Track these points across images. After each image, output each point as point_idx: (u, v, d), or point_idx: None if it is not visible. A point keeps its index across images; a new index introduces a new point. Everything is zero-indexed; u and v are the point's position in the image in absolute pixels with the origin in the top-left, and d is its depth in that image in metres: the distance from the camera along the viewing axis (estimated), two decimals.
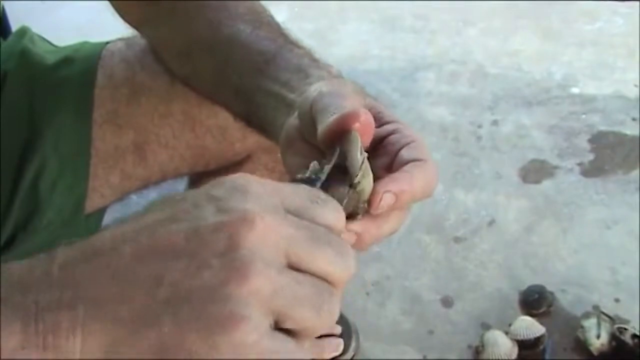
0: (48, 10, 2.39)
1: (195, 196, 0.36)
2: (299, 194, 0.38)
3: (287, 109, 0.53)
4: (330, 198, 0.39)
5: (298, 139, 0.49)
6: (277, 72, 0.57)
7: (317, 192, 0.39)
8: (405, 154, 0.46)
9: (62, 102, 0.77)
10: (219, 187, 0.36)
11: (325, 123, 0.44)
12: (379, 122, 0.48)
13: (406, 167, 0.45)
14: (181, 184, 1.01)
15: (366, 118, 0.44)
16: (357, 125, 0.43)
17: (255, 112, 0.59)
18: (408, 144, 0.46)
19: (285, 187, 0.38)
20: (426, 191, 0.45)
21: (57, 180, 0.76)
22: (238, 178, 0.37)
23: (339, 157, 0.43)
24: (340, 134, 0.43)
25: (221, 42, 0.64)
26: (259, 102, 0.58)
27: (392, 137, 0.47)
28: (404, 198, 0.43)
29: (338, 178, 0.42)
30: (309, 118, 0.47)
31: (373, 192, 0.43)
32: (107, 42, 0.81)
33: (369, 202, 0.43)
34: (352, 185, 0.42)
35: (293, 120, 0.50)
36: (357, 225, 0.43)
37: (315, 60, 0.58)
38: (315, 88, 0.49)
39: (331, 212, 0.38)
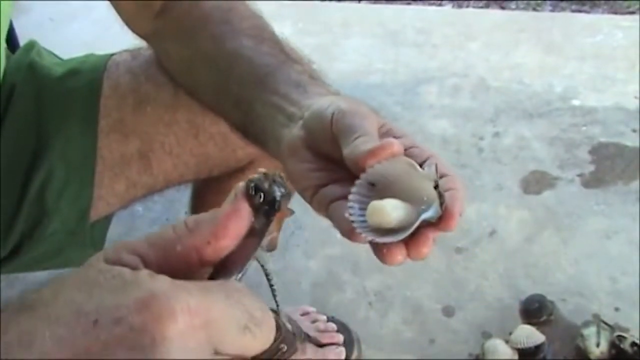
0: (57, 28, 2.43)
1: (108, 336, 0.30)
2: (229, 322, 0.32)
3: (285, 120, 0.55)
4: (266, 318, 0.34)
5: (302, 147, 0.52)
6: (276, 85, 0.59)
7: (252, 310, 0.34)
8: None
9: (69, 113, 0.79)
10: (138, 321, 0.30)
11: (356, 150, 0.46)
12: (393, 137, 0.50)
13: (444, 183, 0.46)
14: (185, 193, 1.04)
15: (399, 147, 0.46)
16: (389, 153, 0.45)
17: (252, 123, 0.61)
18: (428, 158, 0.49)
19: (215, 312, 0.32)
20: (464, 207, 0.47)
21: (64, 189, 0.78)
22: (162, 313, 0.30)
23: None
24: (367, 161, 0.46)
25: (224, 56, 0.66)
26: (257, 112, 0.60)
27: (412, 151, 0.49)
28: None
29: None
30: (326, 133, 0.50)
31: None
32: (113, 54, 0.84)
33: (445, 219, 0.44)
34: (436, 187, 0.44)
35: (297, 130, 0.53)
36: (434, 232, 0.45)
37: (313, 78, 0.61)
38: (330, 102, 0.51)
39: (260, 342, 0.34)
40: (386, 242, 0.43)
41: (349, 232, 0.46)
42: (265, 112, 0.59)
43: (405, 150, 0.48)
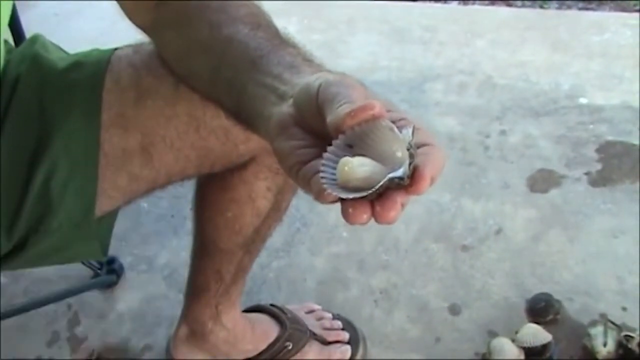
0: (62, 23, 2.43)
1: None
2: None
3: (277, 99, 0.54)
4: None
5: (292, 124, 0.51)
6: (270, 66, 0.59)
7: None
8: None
9: (72, 105, 0.79)
10: None
11: (337, 114, 0.45)
12: None
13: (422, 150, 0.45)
14: (190, 189, 1.03)
15: (380, 109, 0.45)
16: (370, 114, 0.45)
17: (244, 105, 0.60)
18: (400, 120, 0.47)
19: None
20: (438, 174, 0.45)
21: (68, 181, 0.78)
22: None
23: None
24: (352, 123, 0.45)
25: (219, 41, 0.65)
26: (249, 94, 0.59)
27: (399, 123, 0.48)
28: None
29: None
30: (312, 105, 0.49)
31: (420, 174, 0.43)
32: (116, 48, 0.84)
33: (415, 180, 0.43)
34: (408, 149, 0.43)
35: (287, 108, 0.52)
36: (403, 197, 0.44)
37: (308, 60, 0.60)
38: (319, 76, 0.50)
39: None
40: (350, 199, 0.43)
41: (319, 192, 0.45)
42: (257, 93, 0.58)
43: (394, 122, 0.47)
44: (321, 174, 0.45)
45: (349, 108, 0.45)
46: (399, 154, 0.44)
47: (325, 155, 0.46)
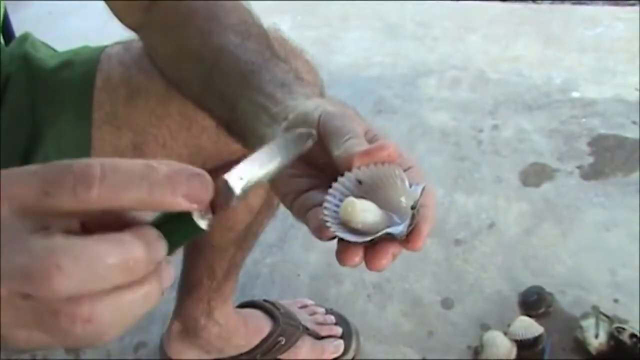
0: (56, 21, 2.43)
1: None
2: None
3: (269, 120, 0.55)
4: None
5: None
6: (261, 83, 0.59)
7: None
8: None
9: (63, 104, 0.79)
10: None
11: (350, 149, 0.46)
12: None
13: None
14: None
15: (395, 150, 0.46)
16: (385, 154, 0.46)
17: (236, 119, 0.60)
18: (409, 168, 0.49)
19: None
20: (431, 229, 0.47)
21: None
22: None
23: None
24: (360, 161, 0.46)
25: (210, 51, 0.66)
26: (241, 110, 0.59)
27: (408, 172, 0.48)
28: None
29: None
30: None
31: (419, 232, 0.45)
32: (106, 46, 0.84)
33: (413, 238, 0.45)
34: (413, 207, 0.44)
35: (280, 133, 0.52)
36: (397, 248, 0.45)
37: (299, 78, 0.60)
38: (317, 105, 0.51)
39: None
40: (344, 239, 0.44)
41: (317, 229, 0.46)
42: (249, 110, 0.59)
43: None
44: (325, 204, 0.46)
45: (361, 147, 0.46)
46: (404, 211, 0.45)
47: (335, 185, 0.46)
